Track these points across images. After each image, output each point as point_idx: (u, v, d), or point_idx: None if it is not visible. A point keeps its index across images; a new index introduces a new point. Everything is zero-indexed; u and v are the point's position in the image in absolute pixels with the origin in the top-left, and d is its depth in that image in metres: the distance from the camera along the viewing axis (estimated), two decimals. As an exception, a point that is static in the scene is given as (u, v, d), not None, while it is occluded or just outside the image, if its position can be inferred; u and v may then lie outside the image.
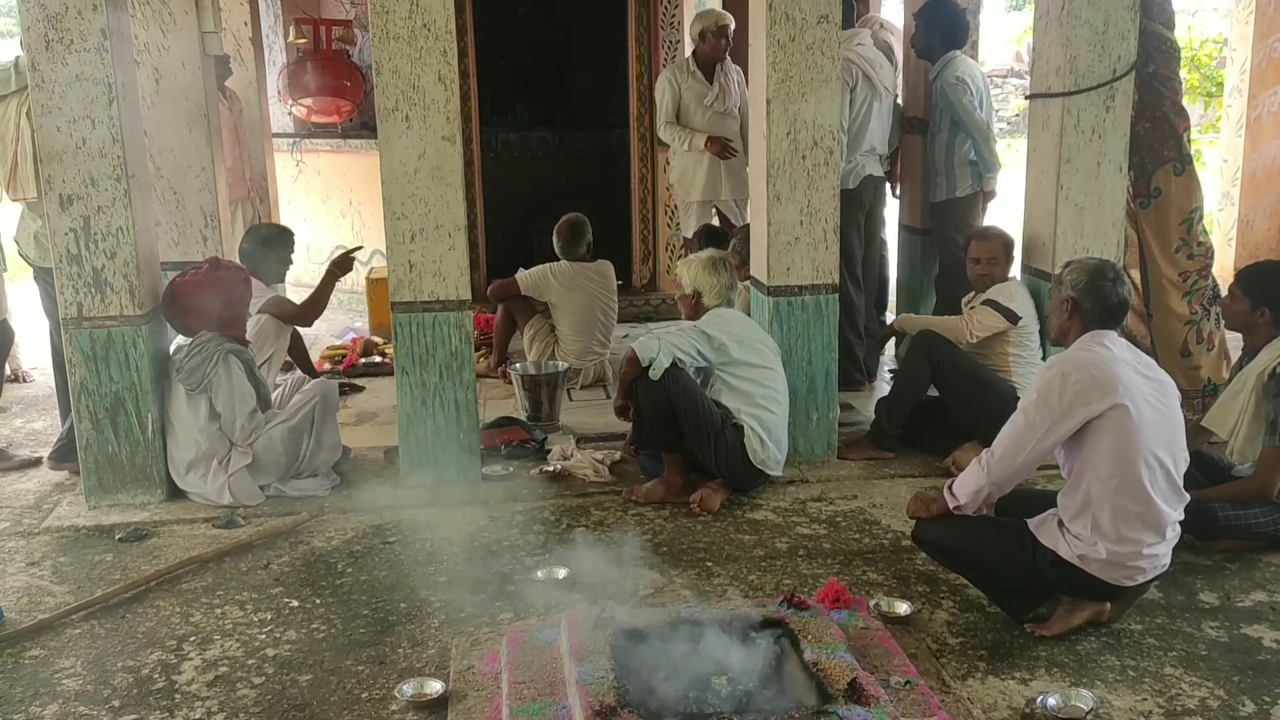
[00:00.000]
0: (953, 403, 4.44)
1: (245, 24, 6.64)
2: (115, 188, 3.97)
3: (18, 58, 4.24)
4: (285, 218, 7.42)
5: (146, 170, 4.37)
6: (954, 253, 5.33)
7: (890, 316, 6.36)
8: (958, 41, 5.38)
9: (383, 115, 4.09)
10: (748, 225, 4.97)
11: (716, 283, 4.26)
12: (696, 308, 4.29)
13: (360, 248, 5.26)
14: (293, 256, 5.13)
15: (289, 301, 5.02)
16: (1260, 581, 3.48)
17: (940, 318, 4.72)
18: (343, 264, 4.98)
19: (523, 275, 5.72)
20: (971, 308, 4.58)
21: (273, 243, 5.04)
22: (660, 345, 4.08)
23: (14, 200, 4.50)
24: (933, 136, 5.43)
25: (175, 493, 4.27)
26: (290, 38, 7.42)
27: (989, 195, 5.50)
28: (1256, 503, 3.57)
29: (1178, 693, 2.86)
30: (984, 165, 5.35)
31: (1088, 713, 2.72)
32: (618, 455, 4.61)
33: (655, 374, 4.06)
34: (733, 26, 5.93)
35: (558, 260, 5.75)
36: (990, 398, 4.24)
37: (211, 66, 5.54)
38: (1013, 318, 4.42)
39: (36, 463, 4.74)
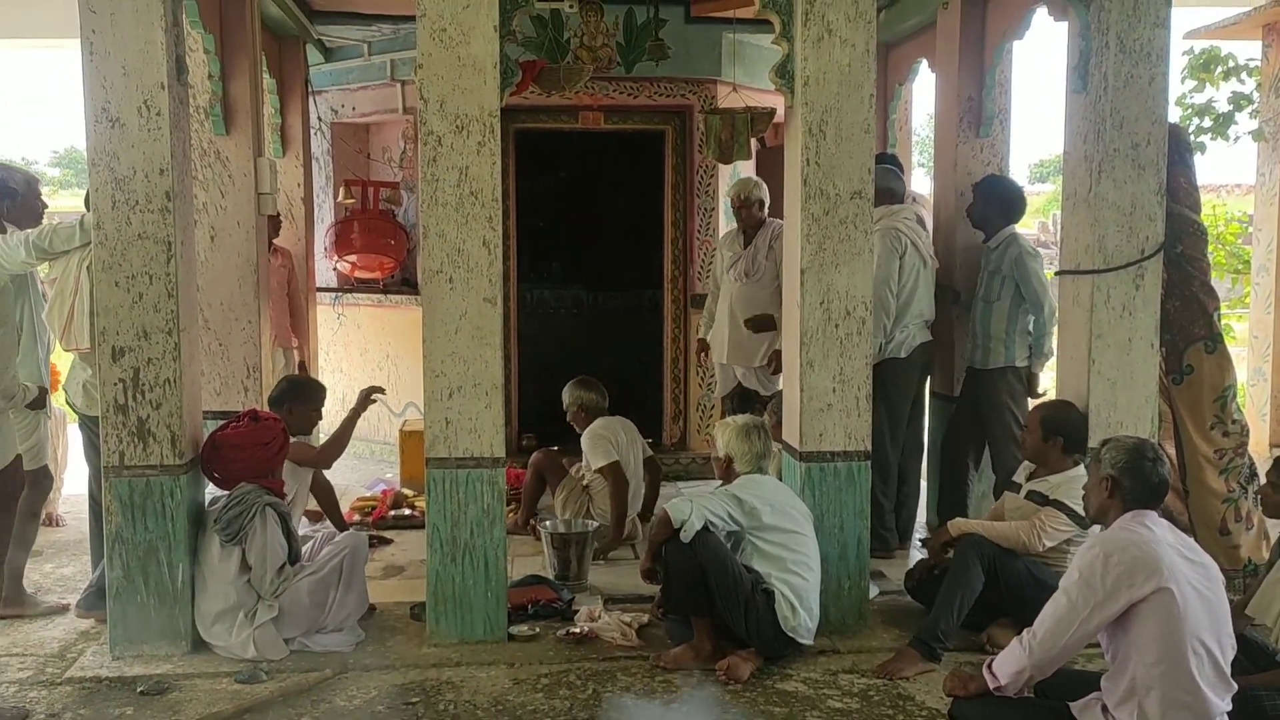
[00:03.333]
0: (1012, 606, 4.17)
1: (299, 185, 6.93)
2: (166, 341, 4.09)
3: (83, 216, 4.44)
4: (324, 368, 7.58)
5: (197, 324, 4.51)
6: (1005, 421, 5.33)
7: (922, 484, 6.33)
8: (1015, 215, 5.49)
9: (427, 276, 4.23)
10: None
11: (749, 450, 4.29)
12: (728, 472, 4.31)
13: (382, 389, 5.33)
14: (322, 410, 5.21)
15: (308, 446, 5.08)
16: (1314, 776, 3.34)
17: (1000, 524, 4.40)
18: (364, 402, 5.10)
19: (601, 450, 5.66)
20: (1034, 490, 4.41)
21: (302, 393, 5.13)
22: (693, 507, 4.08)
23: (66, 350, 4.63)
24: (988, 304, 5.41)
25: (199, 645, 4.23)
26: (340, 198, 7.73)
27: (1034, 377, 5.47)
28: (1304, 691, 3.46)
29: None
30: (1041, 346, 5.34)
31: None
32: (646, 618, 4.55)
33: (686, 536, 4.04)
34: (757, 195, 6.12)
35: (595, 417, 5.79)
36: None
37: (265, 225, 5.76)
38: (1083, 522, 4.16)
39: (63, 610, 4.73)
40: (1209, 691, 2.88)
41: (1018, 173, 6.69)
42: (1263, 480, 3.94)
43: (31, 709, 3.76)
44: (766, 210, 6.17)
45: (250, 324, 5.55)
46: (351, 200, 7.60)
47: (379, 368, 7.80)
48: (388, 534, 5.97)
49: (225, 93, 5.44)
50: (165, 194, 4.04)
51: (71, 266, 4.47)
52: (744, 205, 6.11)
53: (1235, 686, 3.00)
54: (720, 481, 4.41)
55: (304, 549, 4.50)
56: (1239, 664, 3.32)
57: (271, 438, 4.45)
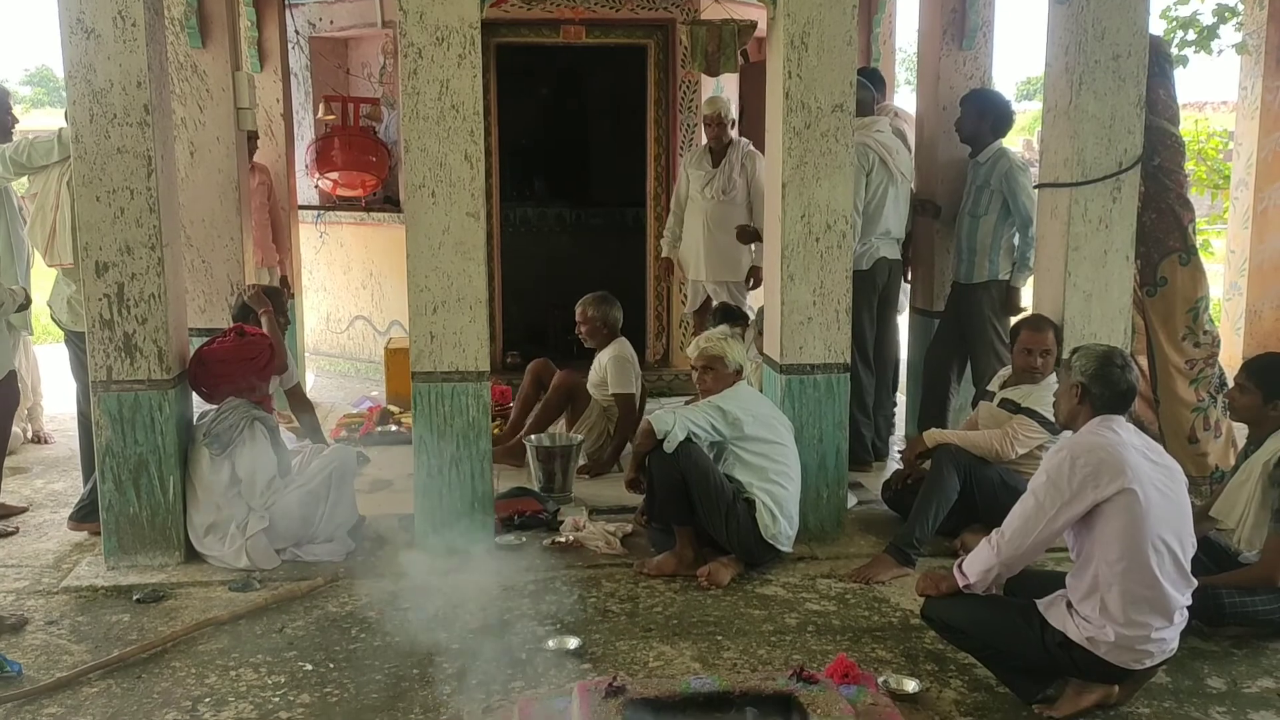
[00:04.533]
0: (985, 513, 4.24)
1: (278, 100, 6.86)
2: (149, 256, 4.10)
3: (61, 130, 4.41)
4: (307, 287, 7.58)
5: (179, 240, 4.51)
6: (987, 335, 5.40)
7: (901, 398, 6.44)
8: (1004, 129, 5.49)
9: (410, 191, 4.23)
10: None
11: (741, 353, 4.40)
12: (734, 383, 4.37)
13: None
14: (287, 315, 5.15)
15: None
16: (1268, 669, 3.50)
17: (974, 433, 4.50)
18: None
19: (628, 377, 5.60)
20: (1006, 399, 4.51)
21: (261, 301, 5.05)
22: (676, 419, 4.16)
23: (50, 266, 4.64)
24: (974, 219, 5.43)
25: (193, 555, 4.32)
26: (319, 114, 7.65)
27: (1015, 292, 5.50)
28: (1263, 590, 3.60)
29: (1186, 778, 2.87)
30: (1026, 261, 5.33)
31: (1096, 795, 2.73)
32: (629, 528, 4.66)
33: (670, 447, 4.13)
34: (727, 114, 6.14)
35: (618, 339, 5.69)
36: None
37: (244, 141, 5.72)
38: (1054, 430, 4.27)
39: (19, 511, 4.86)
40: (1169, 586, 3.00)
41: (1003, 90, 6.67)
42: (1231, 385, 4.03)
43: (30, 616, 3.85)
44: (735, 128, 6.22)
45: (233, 241, 5.55)
46: (331, 117, 7.52)
47: (362, 286, 7.81)
48: (367, 451, 6.01)
49: (200, 4, 5.36)
50: (144, 107, 4.01)
51: (51, 182, 4.46)
52: (718, 123, 6.16)
53: (1195, 583, 3.12)
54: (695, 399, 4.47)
55: (293, 462, 4.57)
56: (1202, 565, 3.45)
57: (257, 353, 4.50)
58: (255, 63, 6.72)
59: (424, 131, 4.19)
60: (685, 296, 7.19)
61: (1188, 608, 3.12)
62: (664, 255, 6.84)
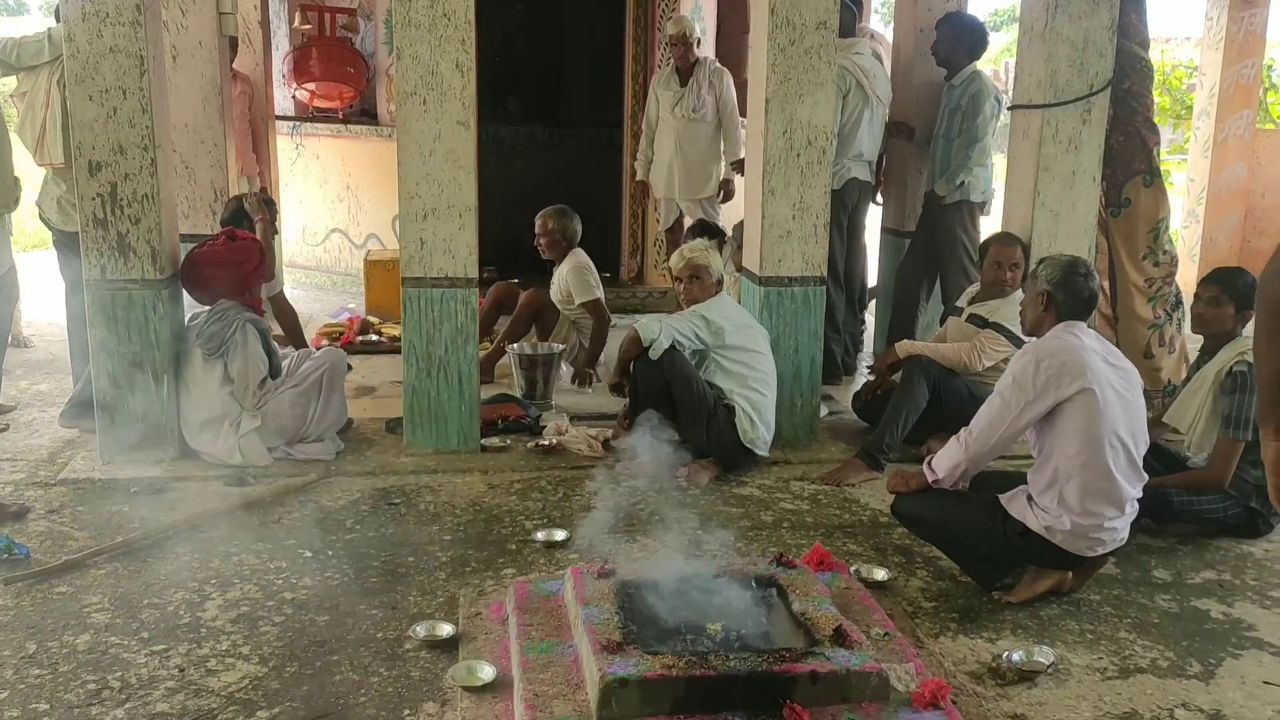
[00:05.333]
0: (952, 422, 4.20)
1: (255, 7, 6.81)
2: (143, 156, 4.14)
3: (51, 29, 4.40)
4: (284, 199, 7.59)
5: (170, 142, 4.54)
6: (959, 253, 5.57)
7: (869, 318, 6.63)
8: (979, 51, 5.60)
9: (401, 98, 4.29)
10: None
11: (723, 271, 4.56)
12: (716, 293, 4.52)
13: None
14: (277, 225, 5.26)
15: None
16: (1210, 562, 3.76)
17: (943, 345, 4.70)
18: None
19: (591, 284, 5.68)
20: (974, 314, 4.69)
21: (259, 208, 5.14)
22: (661, 328, 4.31)
23: (40, 165, 4.65)
24: (948, 141, 5.57)
25: (187, 452, 4.44)
26: (296, 23, 7.60)
27: (934, 195, 5.63)
28: (1209, 491, 3.85)
29: (1131, 654, 3.11)
30: (955, 174, 5.49)
31: (1048, 666, 2.97)
32: (610, 433, 4.83)
33: (655, 354, 4.29)
34: (692, 33, 6.22)
35: (574, 250, 5.77)
36: None
37: (226, 46, 5.71)
38: (1019, 343, 4.37)
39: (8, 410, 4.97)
40: (1122, 479, 3.22)
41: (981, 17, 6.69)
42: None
43: (31, 506, 3.96)
44: (701, 47, 6.30)
45: (216, 147, 5.57)
46: (308, 26, 7.47)
47: (339, 199, 7.83)
48: (354, 359, 6.14)
49: (182, -93, 5.31)
50: (136, 7, 4.02)
51: (41, 81, 4.46)
52: (684, 43, 6.23)
53: (1146, 477, 3.34)
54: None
55: (284, 365, 4.67)
56: (1153, 469, 3.68)
57: (246, 256, 4.57)
58: (233, -31, 6.64)
59: (415, 39, 4.24)
60: (660, 216, 7.31)
61: (1139, 502, 3.35)
62: (639, 179, 6.94)
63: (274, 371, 4.51)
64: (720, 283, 4.55)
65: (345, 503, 4.11)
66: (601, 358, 5.70)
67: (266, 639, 3.07)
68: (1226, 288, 4.01)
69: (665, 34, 6.54)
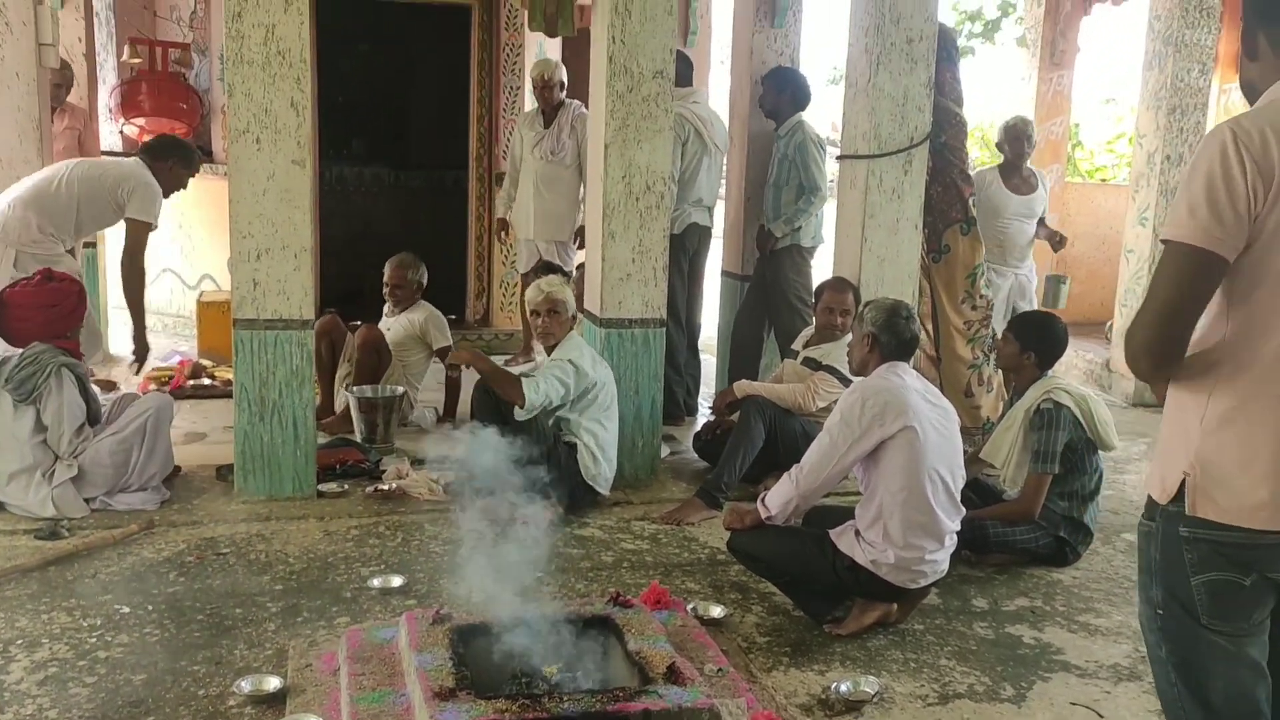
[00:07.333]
0: (788, 461, 4.33)
1: (79, 39, 6.55)
2: (-52, 192, 3.92)
3: None
4: (111, 237, 7.26)
5: (-21, 177, 4.32)
6: (789, 297, 5.75)
7: (707, 358, 6.77)
8: (802, 103, 5.83)
9: (234, 136, 4.19)
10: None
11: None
12: (570, 328, 4.56)
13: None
14: (192, 171, 5.23)
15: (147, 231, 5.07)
16: (1023, 590, 3.97)
17: (779, 386, 4.86)
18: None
19: (446, 330, 5.73)
20: (808, 357, 4.84)
21: (187, 155, 5.18)
22: (541, 391, 4.32)
23: None
24: (777, 189, 5.79)
25: (-6, 505, 4.18)
26: (124, 56, 7.33)
27: (766, 233, 5.82)
28: (1021, 522, 4.07)
29: (950, 680, 3.25)
30: (794, 218, 5.67)
31: (873, 696, 3.07)
32: (452, 476, 4.77)
33: (520, 418, 4.29)
34: (559, 75, 6.29)
35: (418, 299, 5.79)
36: None
37: (46, 79, 5.46)
38: (849, 384, 4.42)
39: None
40: (941, 513, 3.37)
41: (818, 74, 7.04)
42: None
43: None
44: (565, 91, 6.36)
45: (33, 183, 5.29)
46: (138, 60, 7.22)
47: (170, 240, 7.54)
48: (184, 404, 5.90)
49: (-1, -67, 5.08)
50: (-58, 35, 3.82)
51: None
52: (545, 85, 6.29)
53: (964, 511, 3.52)
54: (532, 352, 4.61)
55: (104, 410, 4.46)
56: (971, 503, 3.89)
57: (61, 298, 4.35)
58: (55, -1, 6.38)
59: (248, 76, 4.16)
60: (509, 257, 7.32)
61: (957, 535, 3.52)
62: (499, 216, 6.95)
63: (92, 418, 4.30)
64: (575, 318, 4.59)
65: (168, 554, 3.93)
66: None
67: (76, 701, 2.90)
68: (1012, 328, 4.32)
69: (530, 75, 6.55)
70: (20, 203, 4.80)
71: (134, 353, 5.18)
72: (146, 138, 7.25)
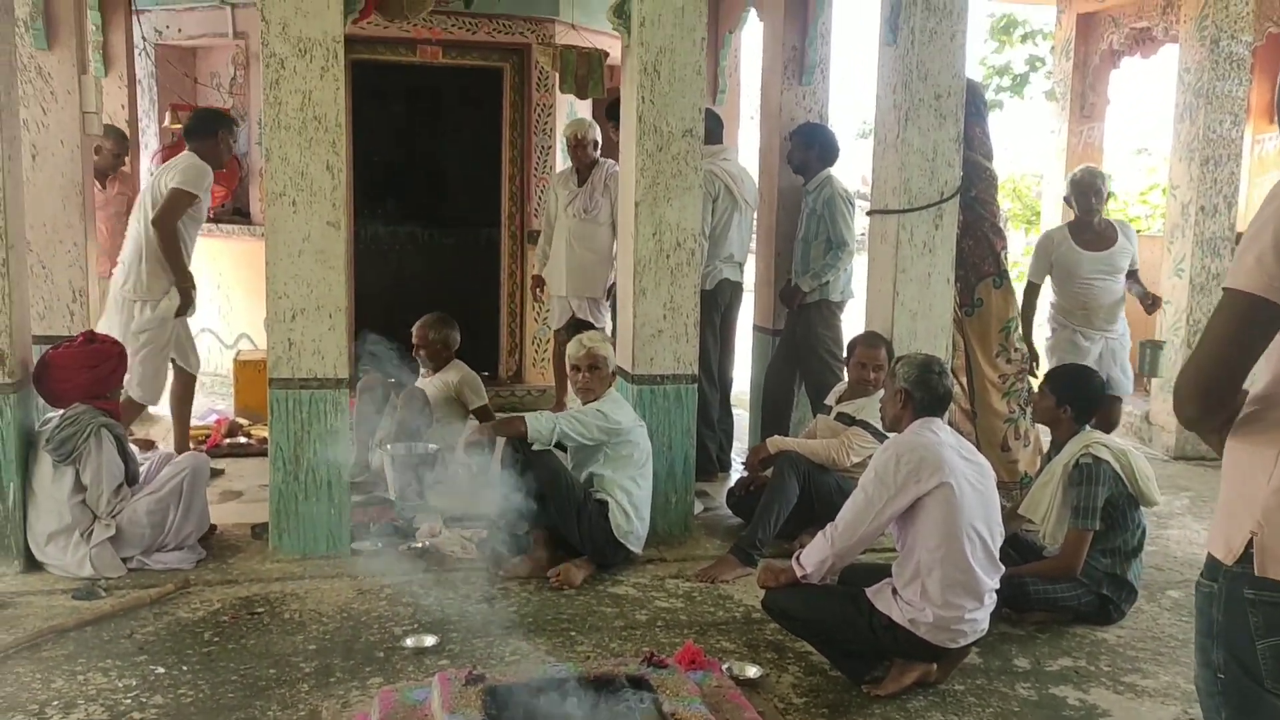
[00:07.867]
0: (822, 517, 4.28)
1: (122, 106, 6.72)
2: (-6, 256, 4.01)
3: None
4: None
5: (24, 241, 4.41)
6: (819, 351, 5.74)
7: (740, 413, 6.75)
8: (830, 159, 5.86)
9: (270, 199, 4.27)
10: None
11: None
12: (611, 384, 4.57)
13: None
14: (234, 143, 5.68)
15: (186, 199, 5.35)
16: (1066, 649, 3.88)
17: (813, 441, 4.83)
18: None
19: (482, 390, 5.79)
20: (842, 412, 4.81)
21: (228, 122, 5.63)
22: (553, 426, 4.32)
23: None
24: (806, 244, 5.80)
25: (33, 564, 4.22)
26: (166, 122, 7.51)
27: (793, 289, 5.81)
28: (1062, 579, 4.00)
29: (994, 743, 3.18)
30: (822, 272, 5.68)
31: (915, 759, 3.01)
32: (485, 533, 4.76)
33: (536, 444, 4.29)
34: (592, 135, 6.36)
35: (452, 360, 5.82)
36: None
37: (89, 146, 5.60)
38: (883, 439, 4.42)
39: None
40: (980, 571, 3.32)
41: (848, 128, 7.08)
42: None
43: None
44: (599, 150, 6.42)
45: (75, 247, 5.41)
46: (179, 125, 7.38)
47: (209, 300, 7.66)
48: (217, 464, 5.95)
49: (46, 5, 5.24)
50: (-9, 106, 3.94)
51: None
52: (579, 144, 6.34)
53: (1002, 568, 3.46)
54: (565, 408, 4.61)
55: (142, 470, 4.50)
56: (1011, 559, 3.83)
57: (102, 360, 4.41)
58: (100, 67, 6.57)
59: (285, 141, 4.24)
60: (542, 314, 7.35)
61: (997, 593, 3.46)
62: (534, 273, 7.01)
63: (130, 478, 4.35)
64: (615, 375, 4.60)
65: (204, 614, 3.94)
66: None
67: (111, 764, 2.90)
68: (1048, 381, 4.26)
69: (564, 134, 6.62)
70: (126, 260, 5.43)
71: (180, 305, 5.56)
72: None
